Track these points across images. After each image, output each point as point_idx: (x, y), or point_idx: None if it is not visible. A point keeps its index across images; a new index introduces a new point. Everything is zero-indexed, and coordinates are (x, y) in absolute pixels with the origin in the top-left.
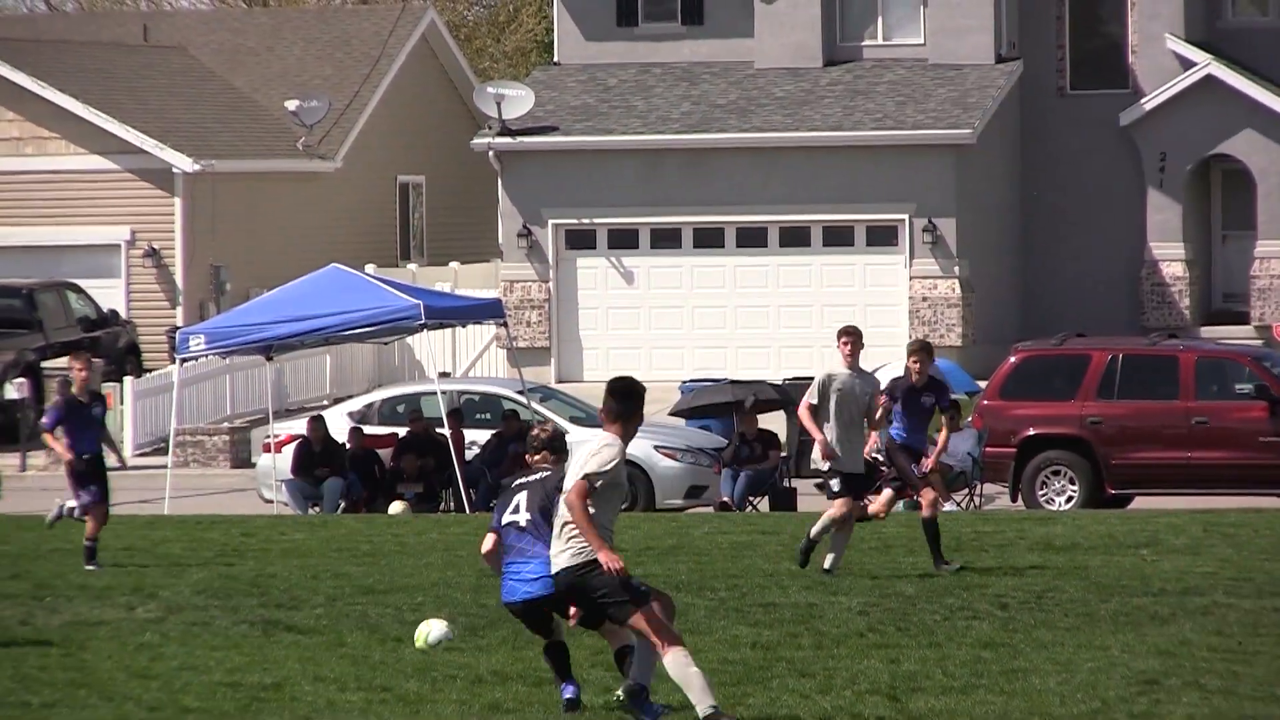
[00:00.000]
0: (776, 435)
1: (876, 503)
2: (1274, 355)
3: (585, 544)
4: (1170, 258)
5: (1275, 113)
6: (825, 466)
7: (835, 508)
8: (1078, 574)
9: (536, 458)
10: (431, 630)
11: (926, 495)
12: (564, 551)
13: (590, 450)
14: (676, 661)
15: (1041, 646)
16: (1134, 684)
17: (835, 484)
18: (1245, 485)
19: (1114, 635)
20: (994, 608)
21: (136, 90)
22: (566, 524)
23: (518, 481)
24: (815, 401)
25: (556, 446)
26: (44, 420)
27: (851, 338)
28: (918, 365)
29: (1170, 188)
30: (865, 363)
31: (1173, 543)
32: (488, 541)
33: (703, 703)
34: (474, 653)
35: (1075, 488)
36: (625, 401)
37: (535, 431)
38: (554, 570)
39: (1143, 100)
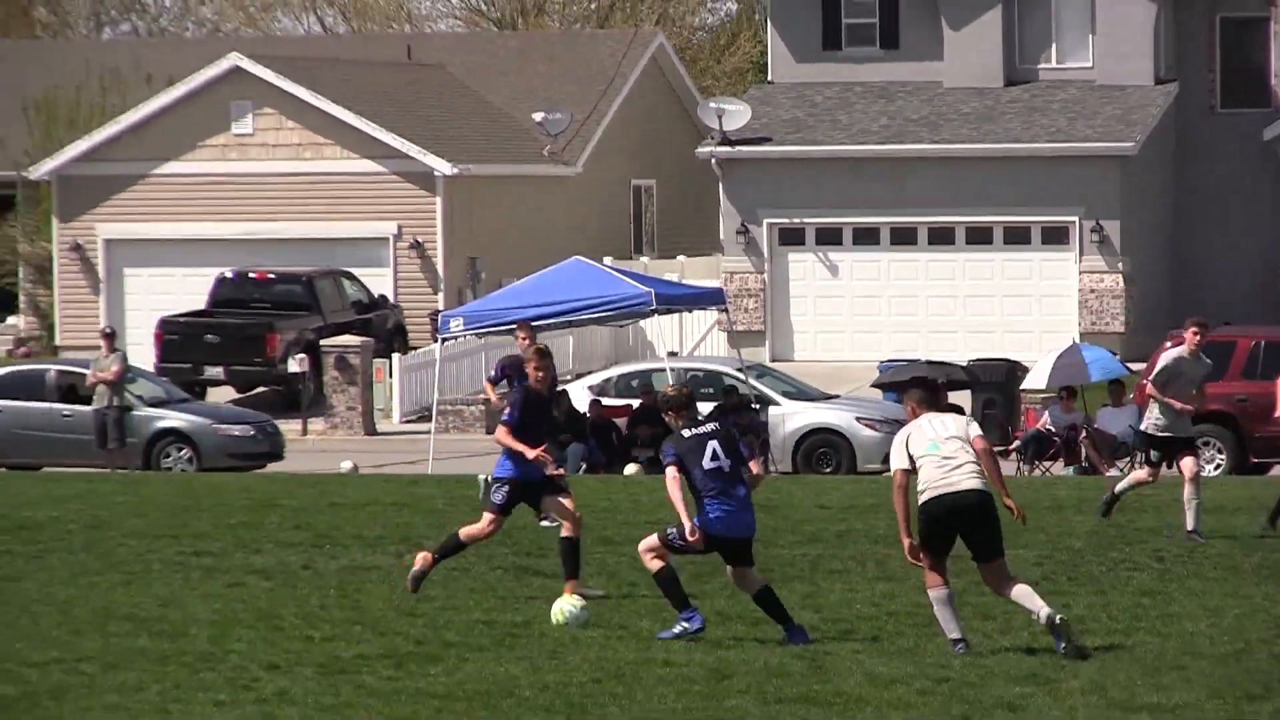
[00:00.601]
0: (963, 409)
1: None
2: None
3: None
4: None
5: None
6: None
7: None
8: (1225, 532)
9: (672, 415)
10: (566, 612)
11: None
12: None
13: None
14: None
15: (1193, 595)
16: (1274, 627)
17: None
18: None
19: (1256, 586)
20: (1152, 560)
21: (402, 102)
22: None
23: (695, 434)
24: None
25: (688, 404)
26: (506, 415)
27: (1201, 328)
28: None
29: None
30: (1041, 348)
31: None
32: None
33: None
34: (699, 597)
35: (1222, 456)
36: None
37: (671, 392)
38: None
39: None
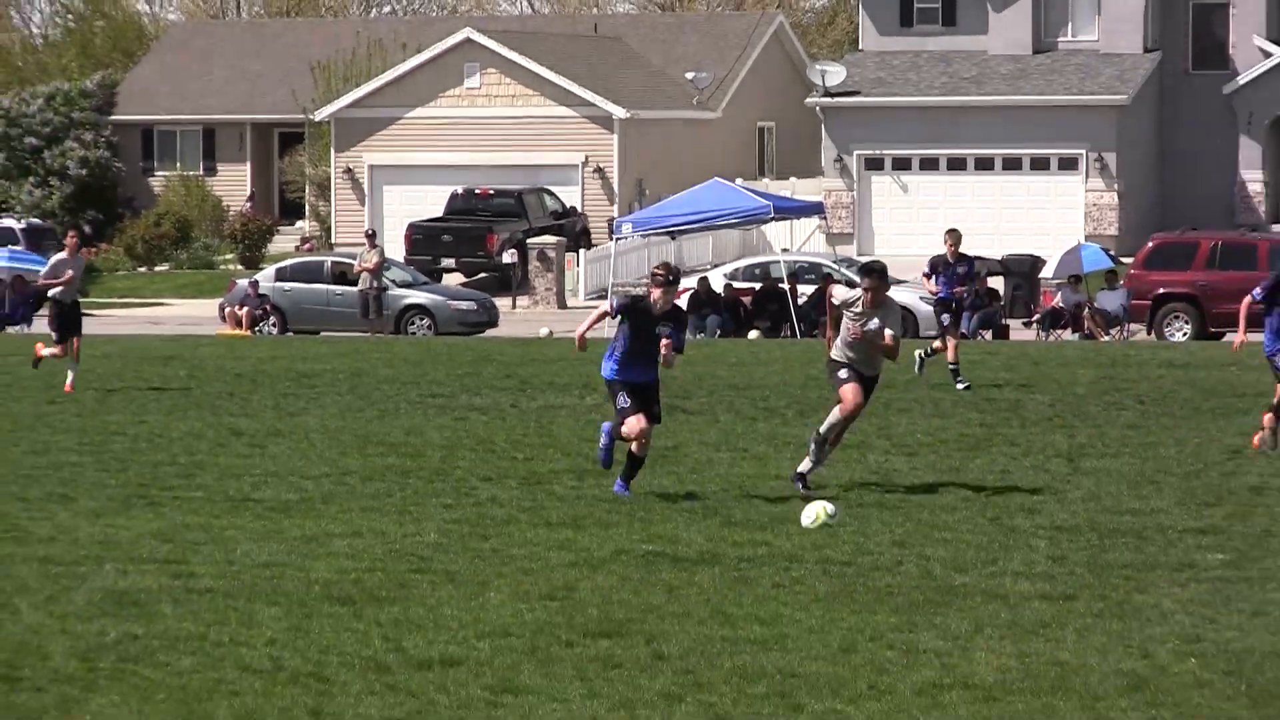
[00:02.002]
0: (997, 290)
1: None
2: None
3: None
4: (1252, 180)
5: None
6: None
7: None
8: (1190, 382)
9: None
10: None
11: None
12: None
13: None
14: None
15: (1166, 429)
16: (1225, 453)
17: None
18: None
19: (1212, 422)
20: (1134, 403)
21: (589, 64)
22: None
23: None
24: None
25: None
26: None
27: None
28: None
29: (1254, 135)
30: (1056, 247)
31: (1250, 363)
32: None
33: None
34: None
35: (1188, 327)
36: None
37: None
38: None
39: (1238, 78)
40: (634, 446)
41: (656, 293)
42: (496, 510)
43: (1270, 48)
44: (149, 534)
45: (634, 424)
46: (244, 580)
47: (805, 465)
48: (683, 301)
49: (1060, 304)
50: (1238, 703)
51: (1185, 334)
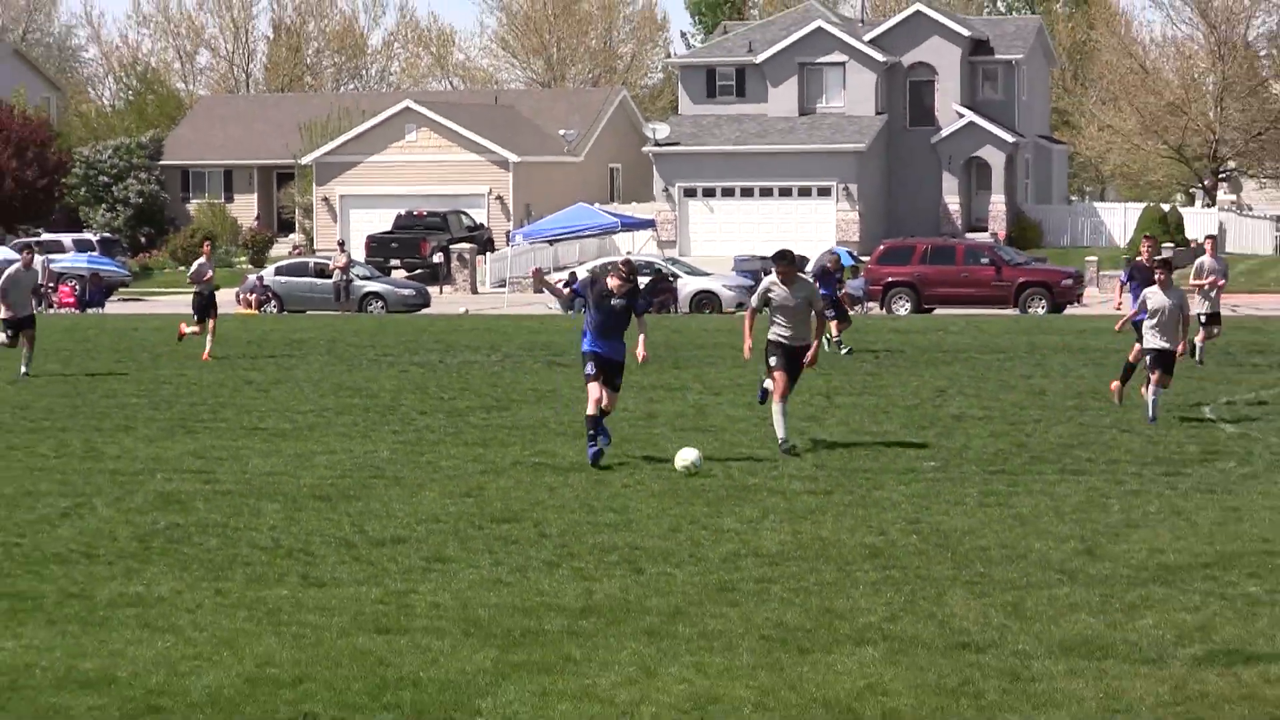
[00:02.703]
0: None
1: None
2: (1001, 246)
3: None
4: (951, 202)
5: (1006, 140)
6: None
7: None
8: (910, 343)
9: (616, 282)
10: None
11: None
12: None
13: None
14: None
15: (893, 375)
16: (933, 392)
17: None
18: (986, 305)
19: (925, 370)
20: (872, 357)
21: (493, 124)
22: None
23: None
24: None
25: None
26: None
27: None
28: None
29: (953, 171)
30: (815, 250)
31: (951, 329)
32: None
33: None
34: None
35: (909, 305)
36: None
37: (621, 264)
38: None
39: (941, 132)
40: (591, 407)
41: (614, 282)
42: (429, 435)
43: (963, 111)
44: (187, 453)
45: (594, 390)
46: (254, 485)
47: (780, 433)
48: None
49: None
50: (945, 565)
51: (906, 310)
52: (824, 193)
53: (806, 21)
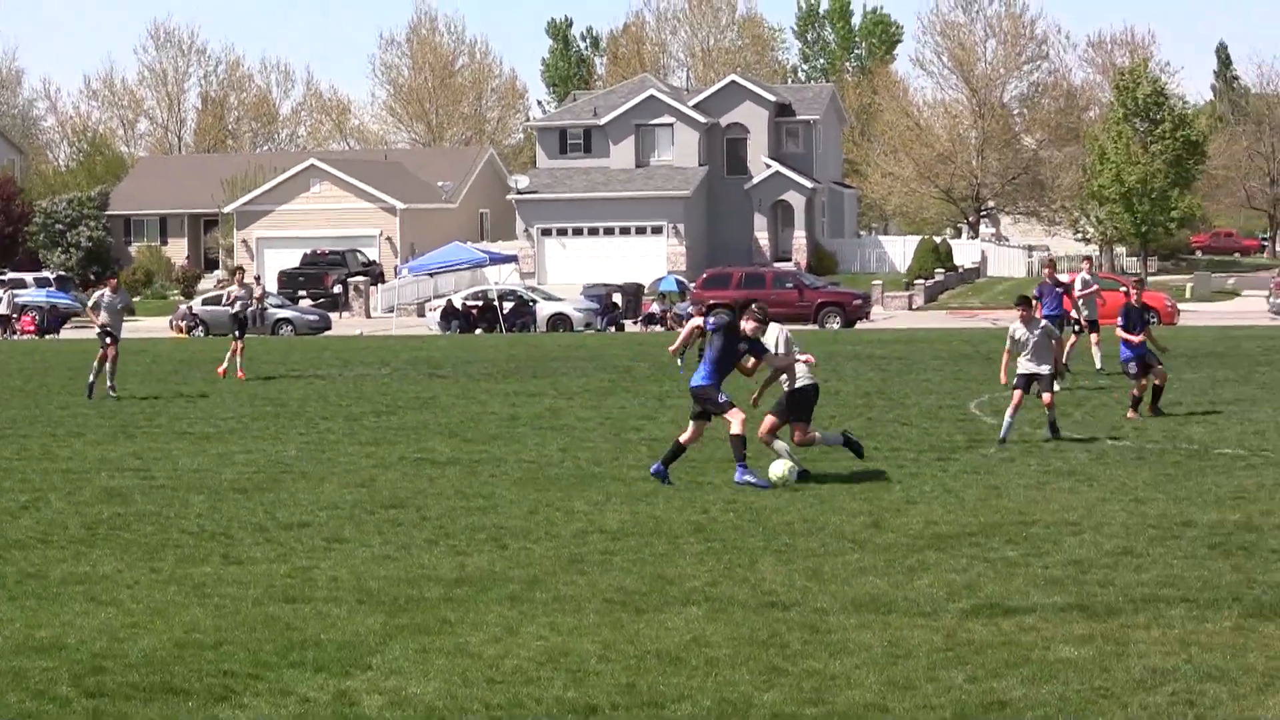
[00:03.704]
0: (618, 303)
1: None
2: (802, 273)
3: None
4: (762, 238)
5: (806, 185)
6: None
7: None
8: None
9: (752, 324)
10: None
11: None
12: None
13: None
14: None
15: None
16: (747, 392)
17: None
18: (791, 321)
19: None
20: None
21: (383, 177)
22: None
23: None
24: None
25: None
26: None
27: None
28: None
29: (763, 212)
30: (652, 276)
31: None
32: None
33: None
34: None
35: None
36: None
37: (754, 309)
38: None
39: (753, 180)
40: (736, 428)
41: (750, 325)
42: (330, 436)
43: (771, 162)
44: (128, 454)
45: (737, 413)
46: (183, 480)
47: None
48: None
49: (654, 310)
50: (757, 537)
51: None
52: (657, 231)
53: (641, 90)
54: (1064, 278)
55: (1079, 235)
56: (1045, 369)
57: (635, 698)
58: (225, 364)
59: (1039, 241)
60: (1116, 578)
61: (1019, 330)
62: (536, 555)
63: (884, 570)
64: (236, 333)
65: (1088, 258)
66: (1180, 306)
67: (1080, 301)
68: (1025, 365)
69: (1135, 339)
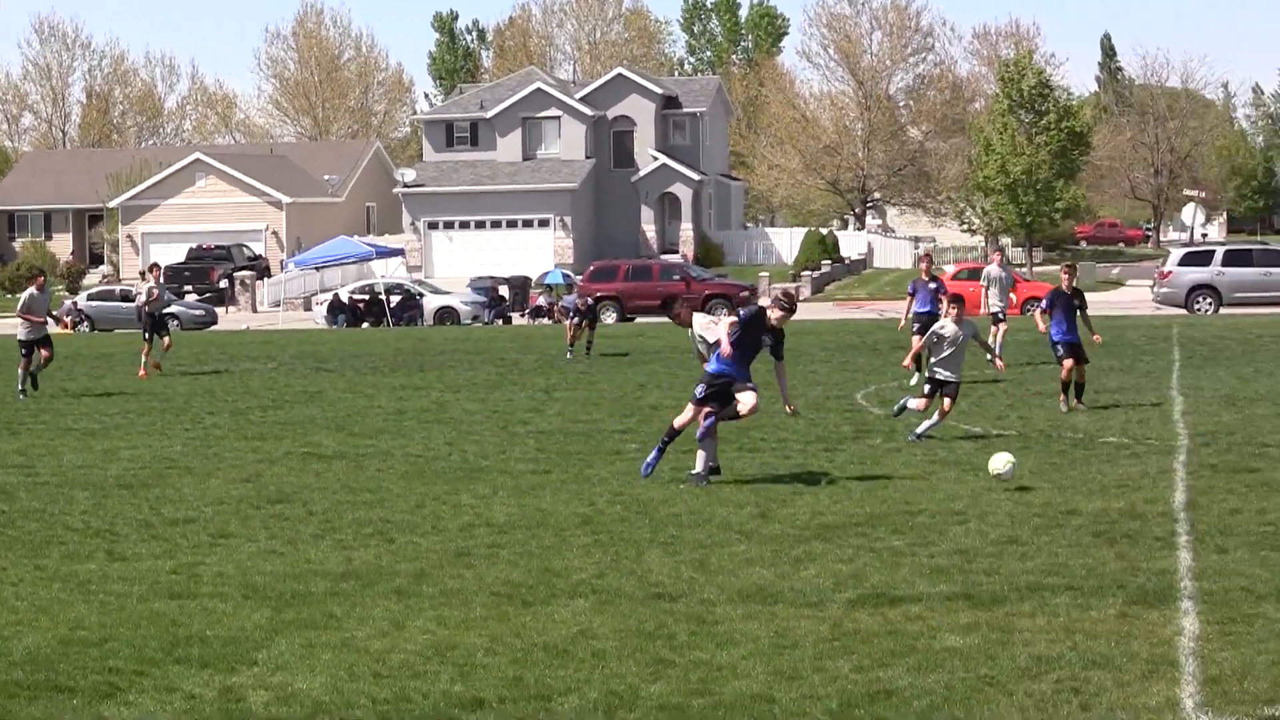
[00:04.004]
0: (504, 296)
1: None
2: (689, 265)
3: None
4: (649, 230)
5: (693, 178)
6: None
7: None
8: (615, 347)
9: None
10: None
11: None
12: None
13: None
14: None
15: (602, 374)
16: (635, 386)
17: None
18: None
19: (629, 369)
20: (586, 358)
21: (269, 171)
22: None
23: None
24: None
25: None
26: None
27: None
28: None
29: (649, 204)
30: (539, 269)
31: (649, 334)
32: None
33: None
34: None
35: (616, 312)
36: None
37: (781, 296)
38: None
39: (640, 172)
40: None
41: (776, 314)
42: (216, 431)
43: (658, 155)
44: (12, 451)
45: (751, 396)
46: (68, 476)
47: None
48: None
49: (541, 303)
50: (644, 529)
51: (613, 319)
52: (544, 224)
53: (528, 83)
54: (956, 267)
55: (964, 226)
56: (955, 378)
57: (522, 690)
58: (144, 366)
59: (925, 233)
60: (1002, 566)
61: (948, 328)
62: (423, 549)
63: (771, 561)
64: (148, 332)
65: (1000, 249)
66: None
67: (992, 293)
68: (939, 371)
69: (1042, 327)
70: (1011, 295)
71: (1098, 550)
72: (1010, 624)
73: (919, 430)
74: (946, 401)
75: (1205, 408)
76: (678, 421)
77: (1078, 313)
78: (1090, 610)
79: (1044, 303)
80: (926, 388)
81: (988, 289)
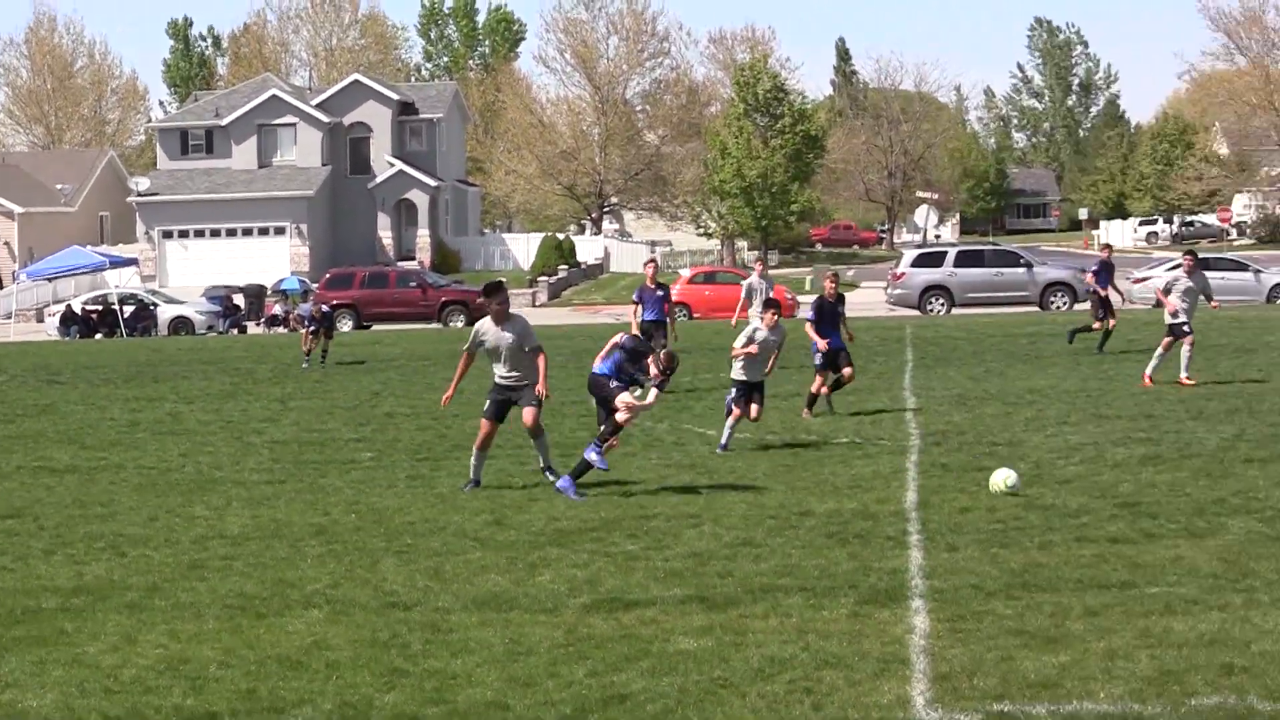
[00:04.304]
0: (239, 305)
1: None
2: (426, 272)
3: None
4: (385, 237)
5: (430, 184)
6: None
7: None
8: (351, 354)
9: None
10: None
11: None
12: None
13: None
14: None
15: (339, 383)
16: (367, 395)
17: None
18: (416, 320)
19: (366, 376)
20: (324, 367)
21: (1, 182)
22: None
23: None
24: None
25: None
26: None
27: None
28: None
29: (386, 211)
30: (276, 277)
31: (386, 341)
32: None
33: None
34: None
35: (353, 320)
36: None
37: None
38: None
39: (376, 179)
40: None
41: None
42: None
43: (394, 161)
44: None
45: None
46: None
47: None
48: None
49: (277, 312)
50: (379, 538)
51: (349, 326)
52: (280, 232)
53: (264, 90)
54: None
55: (701, 230)
56: (759, 379)
57: (256, 703)
58: None
59: (662, 237)
60: (735, 568)
61: (761, 333)
62: (156, 562)
63: (506, 568)
64: None
65: (760, 259)
66: (800, 299)
67: (755, 303)
68: (741, 372)
69: (822, 343)
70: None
71: (830, 551)
72: (744, 626)
73: (724, 441)
74: (755, 409)
75: (937, 408)
76: (620, 418)
77: (840, 319)
78: (823, 610)
79: (811, 314)
80: (734, 391)
81: (750, 298)
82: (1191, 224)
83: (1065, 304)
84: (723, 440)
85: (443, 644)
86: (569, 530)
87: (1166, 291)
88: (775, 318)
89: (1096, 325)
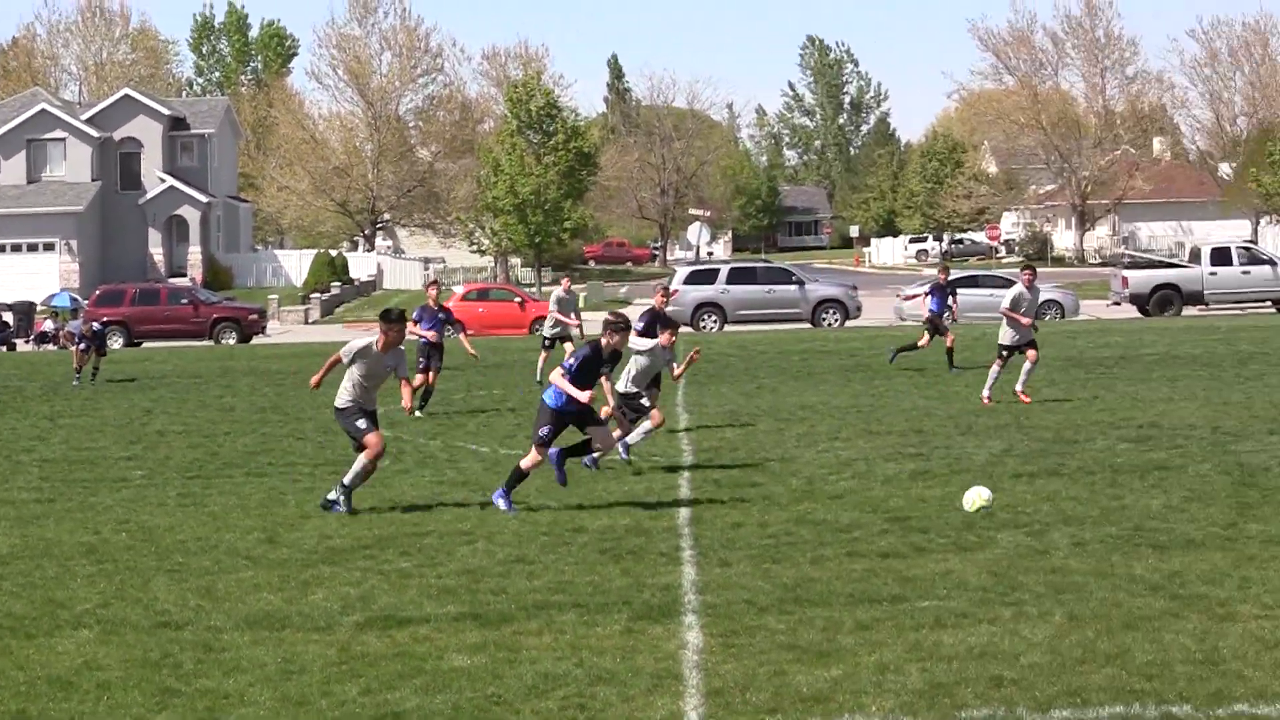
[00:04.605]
0: (9, 321)
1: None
2: (198, 288)
3: None
4: (157, 253)
5: (201, 200)
6: None
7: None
8: (120, 372)
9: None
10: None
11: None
12: None
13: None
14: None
15: (112, 405)
16: (138, 412)
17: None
18: (186, 337)
19: (137, 393)
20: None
21: None
22: None
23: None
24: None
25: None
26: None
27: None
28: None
29: (158, 227)
30: (45, 293)
31: (157, 359)
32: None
33: None
34: None
35: (123, 337)
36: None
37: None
38: None
39: (147, 194)
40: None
41: (614, 339)
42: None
43: (165, 177)
44: None
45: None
46: None
47: (336, 495)
48: None
49: (47, 329)
50: (150, 557)
51: (121, 344)
52: (49, 248)
53: (32, 104)
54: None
55: (474, 247)
56: (651, 392)
57: None
58: None
59: (435, 253)
60: (509, 585)
61: (658, 350)
62: None
63: (278, 586)
64: None
65: (566, 278)
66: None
67: (569, 317)
68: (624, 385)
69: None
70: (573, 315)
71: (604, 567)
72: (517, 642)
73: (629, 441)
74: (656, 413)
75: (709, 424)
76: (525, 464)
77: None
78: (596, 626)
79: (641, 326)
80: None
81: (559, 312)
82: (960, 241)
83: (837, 320)
84: (631, 441)
85: (215, 663)
86: (341, 548)
87: (1015, 308)
88: (671, 336)
89: (922, 343)
